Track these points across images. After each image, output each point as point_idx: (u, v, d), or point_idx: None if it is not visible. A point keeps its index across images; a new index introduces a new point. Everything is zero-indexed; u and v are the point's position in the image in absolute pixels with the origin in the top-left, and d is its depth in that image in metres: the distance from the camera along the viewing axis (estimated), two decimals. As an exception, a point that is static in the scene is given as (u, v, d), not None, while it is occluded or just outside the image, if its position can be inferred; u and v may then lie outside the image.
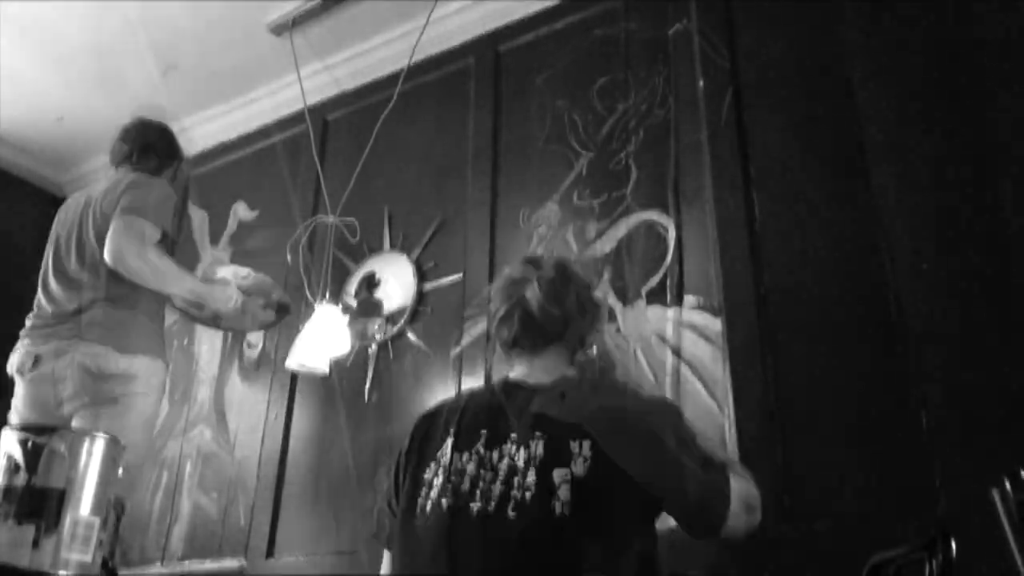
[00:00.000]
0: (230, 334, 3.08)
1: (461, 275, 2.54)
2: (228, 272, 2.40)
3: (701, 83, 2.27)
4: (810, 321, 1.89)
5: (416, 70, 2.91)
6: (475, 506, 1.20)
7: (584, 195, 2.38)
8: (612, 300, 2.20)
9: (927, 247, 1.80)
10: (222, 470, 2.84)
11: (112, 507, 1.38)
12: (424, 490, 1.28)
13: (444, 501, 1.24)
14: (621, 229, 2.27)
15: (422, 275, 2.63)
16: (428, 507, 1.25)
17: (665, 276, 2.13)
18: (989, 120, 1.82)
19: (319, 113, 3.20)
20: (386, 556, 1.38)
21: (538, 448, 1.21)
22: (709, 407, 1.93)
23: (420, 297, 2.60)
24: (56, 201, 4.01)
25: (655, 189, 2.24)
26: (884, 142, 1.93)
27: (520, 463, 1.20)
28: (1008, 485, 0.99)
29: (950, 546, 1.08)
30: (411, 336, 2.57)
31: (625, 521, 1.19)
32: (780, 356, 1.89)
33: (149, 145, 2.43)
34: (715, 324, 2.00)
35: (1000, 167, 1.77)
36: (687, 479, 1.22)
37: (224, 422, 2.93)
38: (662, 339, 2.07)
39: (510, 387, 1.37)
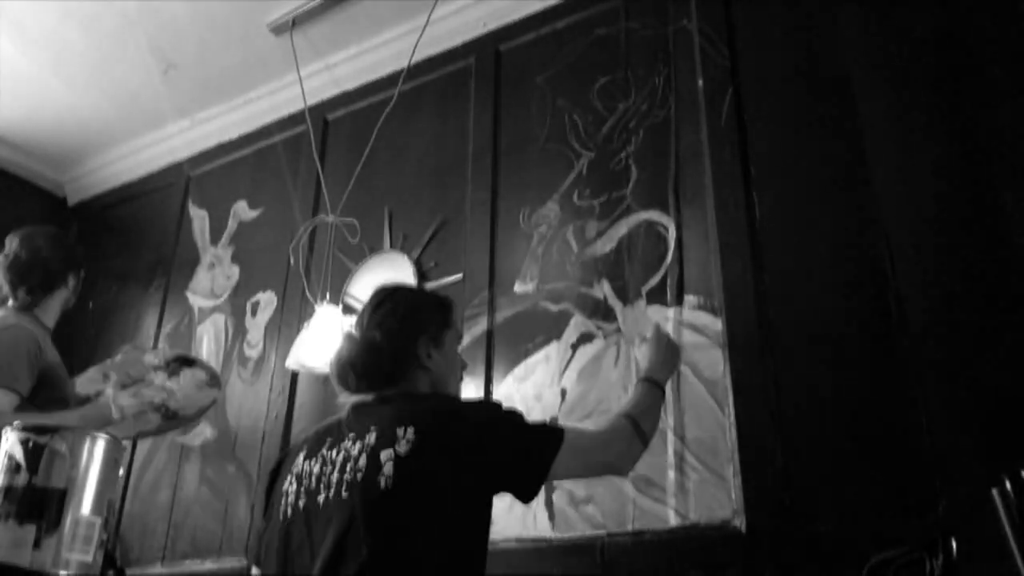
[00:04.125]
0: (230, 334, 3.08)
1: (461, 275, 2.54)
2: (102, 386, 2.33)
3: (701, 83, 2.27)
4: (810, 321, 1.89)
5: (416, 70, 2.92)
6: (320, 497, 1.35)
7: (584, 195, 2.38)
8: (612, 300, 2.20)
9: (927, 247, 1.80)
10: (222, 470, 2.84)
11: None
12: (282, 500, 1.43)
13: (300, 503, 1.39)
14: (621, 229, 2.27)
15: (423, 275, 2.63)
16: (290, 512, 1.40)
17: (665, 276, 2.13)
18: (989, 120, 1.82)
19: (319, 113, 3.20)
20: (254, 571, 1.49)
21: (370, 438, 1.36)
22: (709, 407, 1.93)
23: (420, 297, 2.59)
24: (56, 201, 4.03)
25: (655, 189, 2.24)
26: (884, 142, 1.93)
27: (355, 452, 1.35)
28: (1008, 485, 0.99)
29: (950, 546, 1.09)
30: (411, 336, 2.57)
31: (447, 501, 1.32)
32: (780, 356, 1.89)
33: (20, 277, 2.28)
34: (715, 324, 2.00)
35: (1000, 167, 1.78)
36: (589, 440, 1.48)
37: (224, 422, 2.93)
38: (662, 339, 2.07)
39: (358, 405, 1.51)
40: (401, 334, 1.53)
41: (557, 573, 1.98)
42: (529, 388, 2.25)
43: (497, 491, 1.38)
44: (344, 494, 1.31)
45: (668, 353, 1.75)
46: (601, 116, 2.45)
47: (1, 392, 2.02)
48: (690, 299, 2.07)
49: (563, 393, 2.18)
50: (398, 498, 1.28)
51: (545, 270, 2.37)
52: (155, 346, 3.30)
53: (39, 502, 1.32)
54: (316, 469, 1.40)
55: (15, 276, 2.30)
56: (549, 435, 1.41)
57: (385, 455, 1.31)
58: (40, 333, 2.25)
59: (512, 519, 2.09)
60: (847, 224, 1.92)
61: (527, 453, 1.39)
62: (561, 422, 2.14)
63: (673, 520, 1.88)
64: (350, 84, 3.16)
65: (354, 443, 1.37)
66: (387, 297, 1.60)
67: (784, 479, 1.77)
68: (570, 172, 2.44)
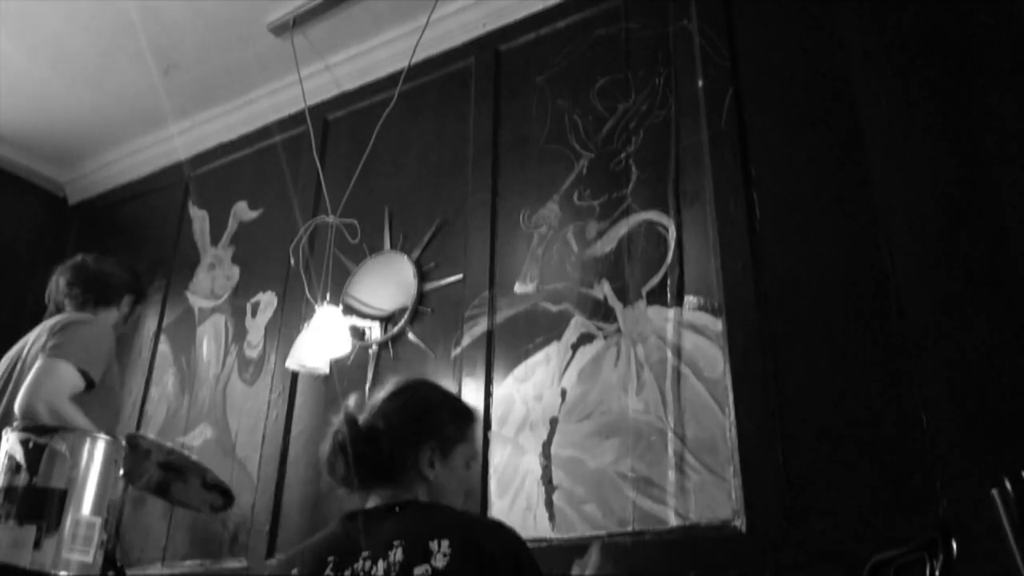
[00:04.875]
0: (230, 335, 3.08)
1: (461, 275, 2.54)
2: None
3: (701, 83, 2.27)
4: (810, 321, 1.89)
5: (416, 70, 2.92)
6: None
7: (584, 195, 2.38)
8: (613, 300, 2.20)
9: (927, 247, 1.80)
10: (222, 470, 2.84)
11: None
12: None
13: None
14: (621, 229, 2.27)
15: (422, 275, 2.63)
16: None
17: (665, 276, 2.14)
18: (989, 120, 1.82)
19: (320, 113, 3.20)
20: None
21: (397, 555, 1.24)
22: (710, 407, 1.93)
23: (420, 297, 2.60)
24: (57, 201, 4.03)
25: (655, 189, 2.25)
26: (884, 142, 1.93)
27: (380, 572, 1.23)
28: (1008, 485, 0.99)
29: (951, 546, 1.09)
30: (411, 336, 2.57)
31: None
32: (780, 356, 1.89)
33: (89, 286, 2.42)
34: (715, 324, 2.00)
35: (1000, 167, 1.78)
36: None
37: (224, 422, 2.94)
38: (662, 339, 2.07)
39: (354, 515, 1.38)
40: (405, 433, 1.41)
41: (557, 573, 1.98)
42: (529, 388, 2.25)
43: None
44: None
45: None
46: (601, 116, 2.45)
47: (75, 371, 2.10)
48: (690, 299, 2.07)
49: (563, 393, 2.18)
50: None
51: (545, 271, 2.37)
52: (155, 346, 3.30)
53: (39, 502, 1.32)
54: None
55: (77, 280, 2.41)
56: None
57: (420, 571, 1.21)
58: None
59: (512, 519, 2.09)
60: (847, 224, 1.92)
61: None
62: (563, 420, 2.14)
63: (673, 520, 1.88)
64: (350, 84, 3.16)
65: (375, 563, 1.25)
66: (403, 390, 1.49)
67: (784, 479, 1.77)
68: (570, 172, 2.44)
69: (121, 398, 2.41)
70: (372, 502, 1.41)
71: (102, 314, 2.40)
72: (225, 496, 2.31)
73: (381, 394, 1.47)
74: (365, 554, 1.26)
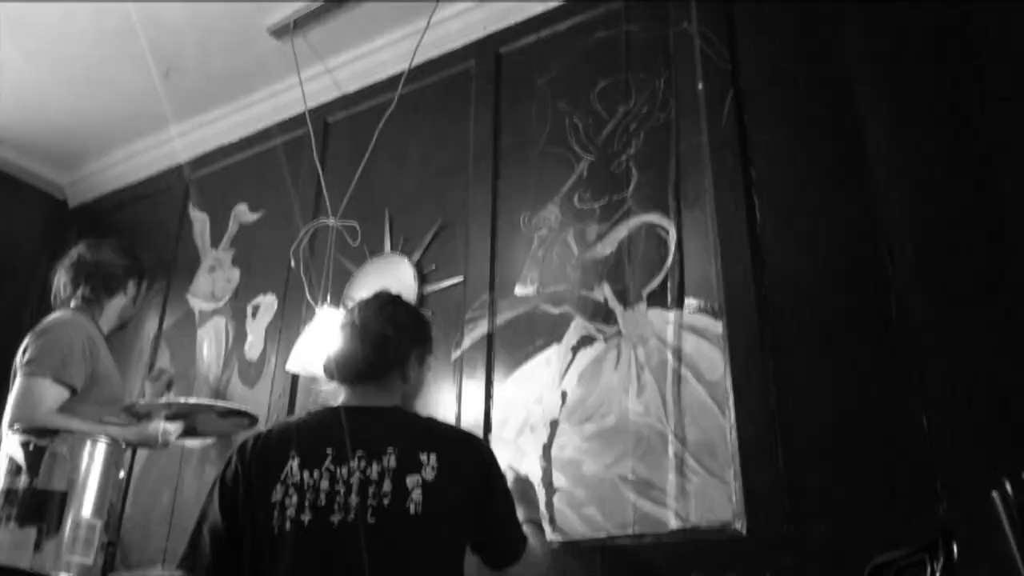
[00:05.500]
0: (231, 337, 3.08)
1: (462, 278, 2.54)
2: (163, 404, 2.37)
3: (701, 85, 2.27)
4: (810, 322, 1.89)
5: (417, 73, 2.92)
6: (335, 518, 1.33)
7: (585, 198, 2.38)
8: (613, 303, 2.20)
9: (927, 247, 1.80)
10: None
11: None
12: (276, 511, 1.36)
13: (304, 518, 1.34)
14: (622, 231, 2.27)
15: (423, 278, 2.63)
16: (287, 526, 1.34)
17: (666, 279, 2.13)
18: (989, 120, 1.82)
19: (320, 116, 3.20)
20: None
21: (391, 461, 1.36)
22: (710, 409, 1.93)
23: (421, 300, 2.60)
24: (57, 203, 4.03)
25: (656, 192, 2.25)
26: (884, 142, 1.93)
27: (374, 475, 1.35)
28: (1008, 486, 0.99)
29: (951, 547, 1.09)
30: (412, 338, 2.57)
31: (461, 529, 1.40)
32: (780, 357, 1.89)
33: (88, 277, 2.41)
34: (716, 326, 2.00)
35: (1000, 167, 1.78)
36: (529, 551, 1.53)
37: (225, 424, 2.93)
38: (663, 341, 2.07)
39: (348, 410, 1.48)
40: (406, 338, 1.56)
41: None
42: (529, 391, 2.24)
43: (474, 536, 1.45)
44: (371, 519, 1.32)
45: (531, 493, 1.82)
46: (602, 119, 2.45)
47: (53, 384, 2.08)
48: (690, 302, 2.07)
49: (563, 396, 2.18)
50: (426, 524, 1.32)
51: (545, 273, 2.37)
52: (155, 348, 3.30)
53: (40, 505, 1.32)
54: (325, 485, 1.37)
55: (78, 275, 2.41)
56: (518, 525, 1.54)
57: (411, 481, 1.33)
58: (95, 334, 2.32)
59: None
60: (847, 224, 1.92)
61: (514, 523, 1.51)
62: (563, 422, 2.14)
63: (673, 523, 1.88)
64: (351, 87, 3.17)
65: (369, 464, 1.36)
66: (392, 301, 1.63)
67: (784, 481, 1.77)
68: (570, 175, 2.44)
69: (120, 385, 2.39)
70: (355, 398, 1.51)
71: (108, 304, 2.41)
72: (245, 416, 2.39)
73: (372, 304, 1.60)
74: (360, 453, 1.37)
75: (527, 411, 2.22)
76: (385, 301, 1.62)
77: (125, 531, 2.91)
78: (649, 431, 2.00)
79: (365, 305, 1.61)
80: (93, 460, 1.42)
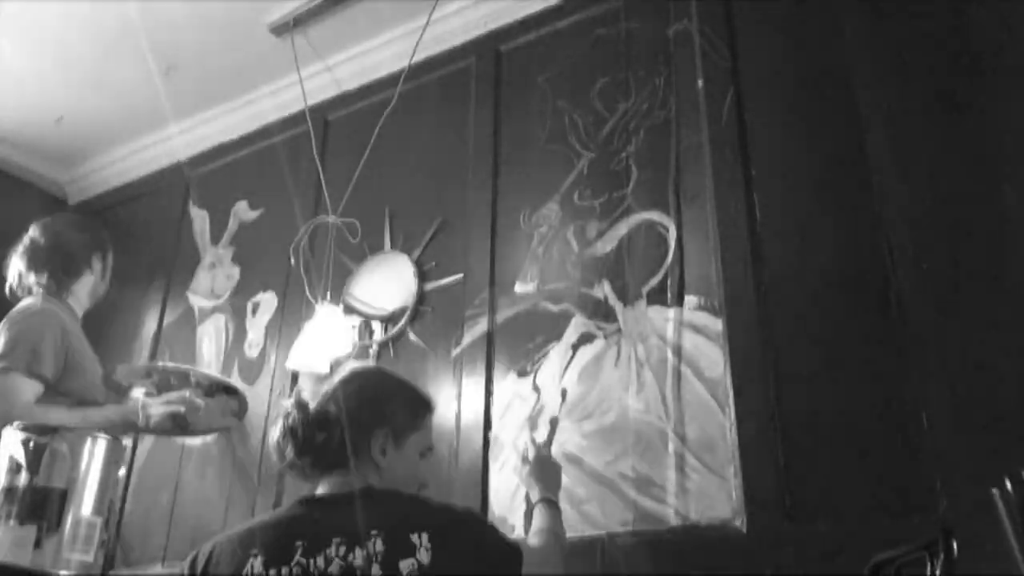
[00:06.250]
0: (231, 334, 3.08)
1: (462, 275, 2.54)
2: (142, 382, 2.31)
3: (702, 83, 2.27)
4: (810, 321, 1.89)
5: (417, 70, 2.92)
6: None
7: (585, 195, 2.38)
8: (613, 300, 2.20)
9: (927, 247, 1.80)
10: (222, 470, 2.84)
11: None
12: None
13: None
14: (622, 229, 2.27)
15: (423, 275, 2.63)
16: None
17: (666, 276, 2.13)
18: (989, 120, 1.82)
19: (320, 113, 3.20)
20: None
21: (376, 545, 1.25)
22: (710, 407, 1.93)
23: (421, 297, 2.60)
24: (57, 201, 4.03)
25: (656, 189, 2.24)
26: (884, 142, 1.93)
27: (358, 561, 1.24)
28: (1008, 485, 0.99)
29: (951, 546, 1.09)
30: (412, 336, 2.57)
31: None
32: (780, 356, 1.89)
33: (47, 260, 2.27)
34: (716, 324, 2.00)
35: (1000, 167, 1.78)
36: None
37: (225, 422, 2.93)
38: (663, 339, 2.07)
39: (313, 500, 1.39)
40: (357, 419, 1.42)
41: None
42: (529, 388, 2.25)
43: None
44: None
45: (552, 471, 1.78)
46: (602, 116, 2.45)
47: (26, 379, 2.01)
48: (690, 299, 2.07)
49: (563, 393, 2.18)
50: None
51: (546, 270, 2.37)
52: (155, 346, 3.30)
53: (40, 502, 1.32)
54: None
55: (34, 262, 2.28)
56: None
57: (406, 565, 1.23)
58: (68, 319, 2.23)
59: (513, 520, 2.09)
60: (847, 224, 1.92)
61: None
62: (563, 420, 2.14)
63: (673, 520, 1.88)
64: (351, 84, 3.16)
65: (351, 550, 1.25)
66: (357, 376, 1.51)
67: (784, 479, 1.77)
68: (571, 172, 2.44)
69: (98, 374, 2.27)
70: (324, 488, 1.42)
71: (75, 285, 2.29)
72: (229, 392, 2.29)
73: (335, 380, 1.49)
74: (337, 540, 1.26)
75: (527, 408, 2.22)
76: (346, 379, 1.50)
77: (125, 528, 2.92)
78: (649, 428, 2.00)
79: (327, 385, 1.50)
80: (93, 457, 1.42)
